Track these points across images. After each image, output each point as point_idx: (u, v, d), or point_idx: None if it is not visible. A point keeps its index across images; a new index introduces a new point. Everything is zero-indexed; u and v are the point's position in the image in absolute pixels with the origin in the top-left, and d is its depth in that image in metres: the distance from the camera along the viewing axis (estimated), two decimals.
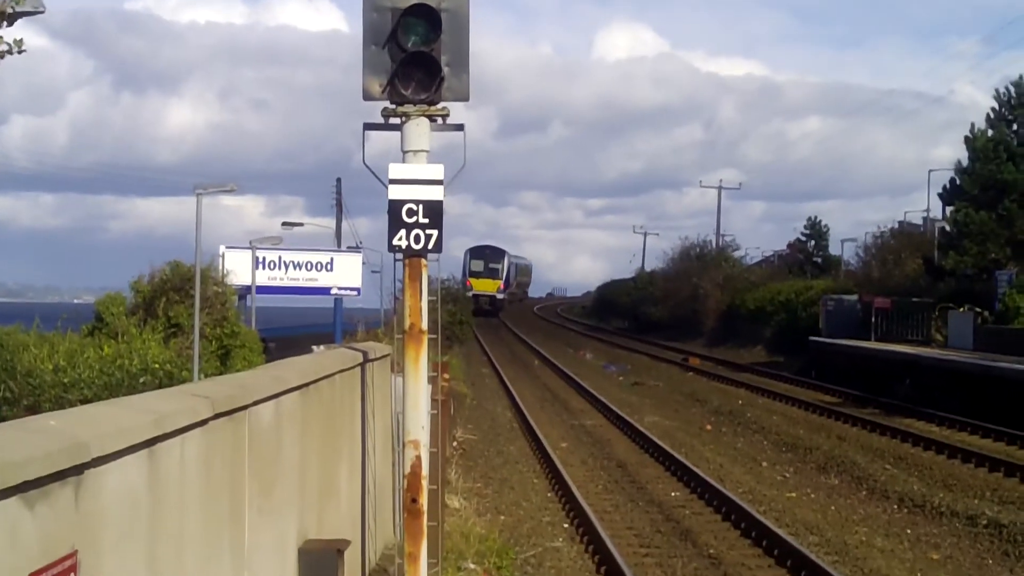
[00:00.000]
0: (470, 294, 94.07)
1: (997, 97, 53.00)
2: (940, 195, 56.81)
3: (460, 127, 11.30)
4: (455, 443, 29.08)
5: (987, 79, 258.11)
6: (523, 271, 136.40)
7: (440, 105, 11.01)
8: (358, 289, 63.63)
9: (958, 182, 53.54)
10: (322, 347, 15.30)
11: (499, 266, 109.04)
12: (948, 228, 54.12)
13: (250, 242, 48.49)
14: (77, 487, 5.41)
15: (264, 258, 56.63)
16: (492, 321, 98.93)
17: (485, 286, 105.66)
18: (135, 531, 6.28)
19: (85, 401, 19.94)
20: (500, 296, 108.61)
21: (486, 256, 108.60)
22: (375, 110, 11.16)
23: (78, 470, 5.40)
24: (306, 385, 10.64)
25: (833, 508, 22.93)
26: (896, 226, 76.50)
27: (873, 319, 53.20)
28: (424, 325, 10.97)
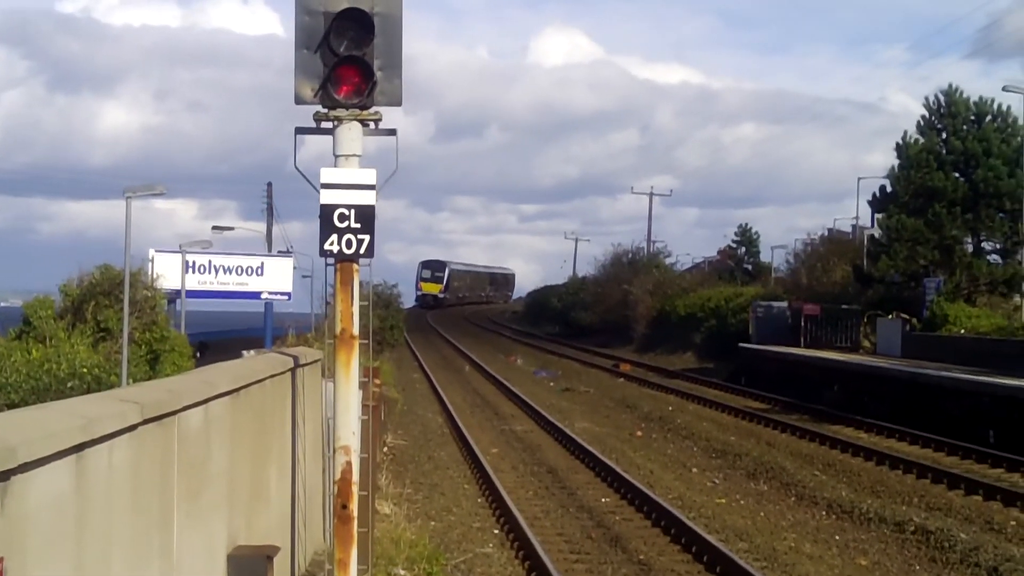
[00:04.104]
0: (419, 293, 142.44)
1: (927, 106, 53.46)
2: (870, 202, 57.24)
3: (392, 131, 11.25)
4: (386, 448, 28.99)
5: (919, 86, 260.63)
6: (503, 280, 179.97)
7: (372, 109, 10.95)
8: (289, 294, 63.46)
9: (889, 189, 53.96)
10: (252, 352, 15.19)
11: (442, 274, 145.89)
12: (878, 235, 54.53)
13: (180, 246, 48.13)
14: (3, 493, 5.34)
15: (194, 262, 56.23)
16: (424, 327, 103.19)
17: (430, 288, 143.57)
18: (62, 537, 6.21)
19: (12, 405, 19.72)
20: (441, 296, 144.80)
21: (432, 267, 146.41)
22: (308, 114, 11.10)
23: (4, 476, 5.33)
24: (236, 390, 10.56)
25: (762, 514, 23.07)
26: (826, 233, 76.99)
27: (802, 325, 53.58)
28: (355, 330, 10.92)
